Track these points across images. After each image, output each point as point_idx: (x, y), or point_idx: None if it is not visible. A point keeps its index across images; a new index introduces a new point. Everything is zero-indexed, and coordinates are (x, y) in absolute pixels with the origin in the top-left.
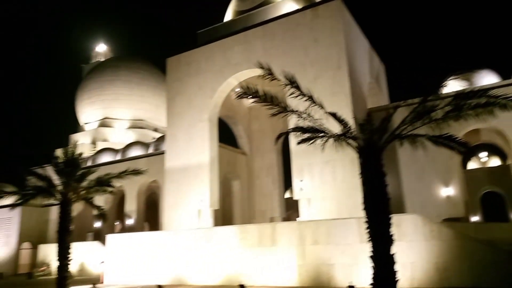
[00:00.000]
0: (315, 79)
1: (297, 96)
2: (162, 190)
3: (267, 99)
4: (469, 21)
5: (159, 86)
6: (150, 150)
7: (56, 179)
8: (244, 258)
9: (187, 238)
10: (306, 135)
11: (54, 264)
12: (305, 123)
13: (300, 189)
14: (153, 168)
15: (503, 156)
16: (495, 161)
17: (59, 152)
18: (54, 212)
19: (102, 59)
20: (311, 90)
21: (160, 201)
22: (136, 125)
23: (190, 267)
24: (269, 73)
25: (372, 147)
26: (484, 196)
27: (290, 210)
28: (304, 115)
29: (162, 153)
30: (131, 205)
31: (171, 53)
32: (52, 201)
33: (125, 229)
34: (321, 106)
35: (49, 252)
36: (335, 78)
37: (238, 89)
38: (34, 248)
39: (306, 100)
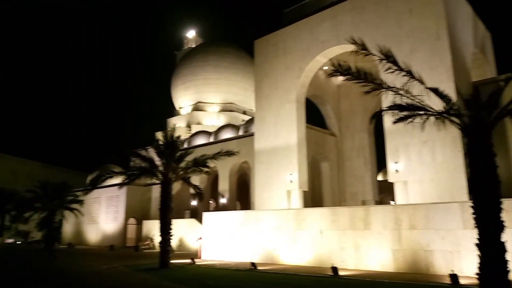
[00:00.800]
0: (411, 53)
1: (393, 72)
2: (252, 170)
3: (360, 76)
4: None
5: (246, 69)
6: (240, 133)
7: (157, 160)
8: (334, 240)
9: (277, 218)
10: (404, 113)
11: (157, 238)
12: (403, 100)
13: (395, 171)
14: (243, 150)
15: None
16: None
17: (159, 135)
18: (155, 191)
19: (193, 45)
20: (408, 65)
21: (251, 182)
22: (226, 109)
23: (281, 247)
24: (363, 48)
25: (480, 124)
26: None
27: (383, 193)
28: (401, 92)
29: (252, 135)
30: (224, 185)
31: (258, 35)
32: (154, 180)
33: (218, 208)
34: (421, 81)
35: (152, 228)
36: (433, 50)
37: (326, 67)
38: (139, 223)
39: (403, 76)
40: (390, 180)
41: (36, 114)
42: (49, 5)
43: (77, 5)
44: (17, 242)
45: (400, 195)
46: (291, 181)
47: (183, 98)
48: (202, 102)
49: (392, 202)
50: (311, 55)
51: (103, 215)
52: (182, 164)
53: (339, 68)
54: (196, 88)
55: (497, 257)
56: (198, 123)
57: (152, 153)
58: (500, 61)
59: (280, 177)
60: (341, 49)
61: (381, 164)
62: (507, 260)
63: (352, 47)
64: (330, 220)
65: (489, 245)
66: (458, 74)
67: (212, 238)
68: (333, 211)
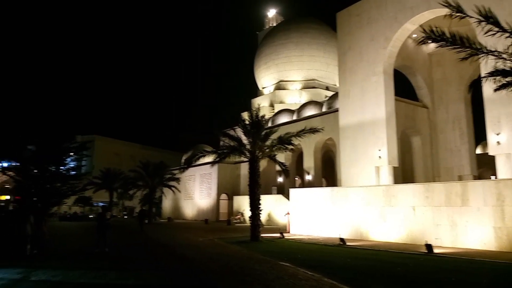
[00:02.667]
0: None
1: (494, 34)
2: (337, 147)
3: (455, 41)
4: None
5: (329, 43)
6: (323, 109)
7: (244, 139)
8: (428, 217)
9: (366, 195)
10: (508, 79)
11: (247, 213)
12: (506, 65)
13: (497, 143)
14: (327, 126)
15: None
16: None
17: (245, 115)
18: (243, 168)
19: (274, 24)
20: (511, 25)
21: (336, 158)
22: (308, 85)
23: (370, 223)
24: (458, 11)
25: None
26: None
27: (482, 167)
28: (504, 56)
29: (336, 111)
30: (309, 162)
31: (340, 7)
32: (242, 158)
33: (304, 184)
34: None
35: (242, 203)
36: None
37: (415, 35)
38: (230, 199)
39: (507, 37)
40: (491, 153)
41: (134, 100)
42: None
43: None
44: (124, 217)
45: (502, 169)
46: (379, 157)
47: (265, 78)
48: (284, 80)
49: (492, 177)
50: (399, 23)
51: (197, 191)
52: (268, 142)
53: (431, 34)
54: (278, 67)
55: None
56: (281, 102)
57: (239, 132)
58: None
59: (368, 153)
60: (432, 14)
61: (479, 136)
62: None
63: (445, 11)
64: (424, 196)
65: None
66: None
67: (300, 213)
68: (427, 187)
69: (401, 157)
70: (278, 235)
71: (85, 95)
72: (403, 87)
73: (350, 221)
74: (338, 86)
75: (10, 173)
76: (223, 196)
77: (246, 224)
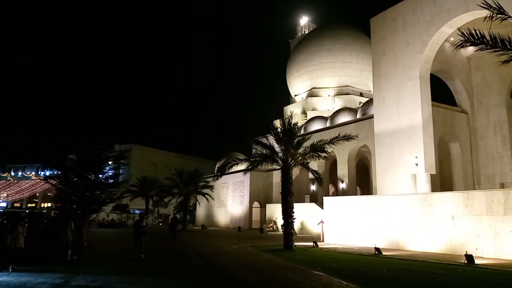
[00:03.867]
0: None
1: None
2: (372, 154)
3: (496, 43)
4: None
5: (362, 49)
6: (358, 116)
7: (276, 147)
8: (468, 227)
9: (402, 203)
10: None
11: (279, 221)
12: None
13: None
14: (362, 133)
15: None
16: None
17: (277, 123)
18: (275, 176)
19: (306, 32)
20: None
21: (371, 166)
22: (341, 92)
23: (406, 232)
24: (498, 12)
25: None
26: None
27: None
28: None
29: (370, 117)
30: (343, 170)
31: (374, 13)
32: (274, 166)
33: (338, 193)
34: None
35: (274, 211)
36: None
37: (452, 39)
38: (262, 207)
39: None
40: None
41: (170, 109)
42: None
43: None
44: (159, 224)
45: None
46: (416, 164)
47: (298, 85)
48: (316, 87)
49: None
50: (436, 26)
51: (230, 199)
52: (300, 150)
53: (470, 37)
54: (311, 74)
55: None
56: (313, 109)
57: (271, 140)
58: None
59: (404, 160)
60: (471, 16)
61: None
62: None
63: (484, 13)
64: (463, 204)
65: None
66: None
67: (334, 222)
68: (467, 195)
69: (439, 164)
70: (311, 244)
71: (124, 105)
72: (440, 92)
73: (385, 230)
74: (372, 92)
75: (52, 181)
76: (256, 204)
77: (278, 233)
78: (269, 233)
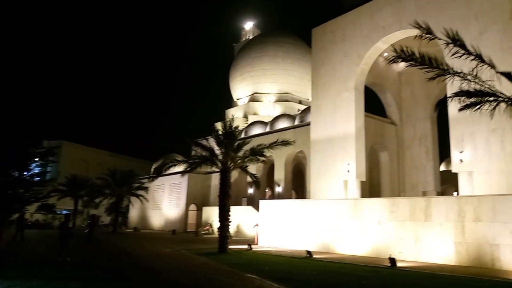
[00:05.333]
0: (480, 35)
1: (460, 56)
2: (308, 160)
3: (424, 61)
4: None
5: (303, 58)
6: (296, 122)
7: (216, 150)
8: (393, 231)
9: (333, 208)
10: (472, 100)
11: (215, 224)
12: (471, 86)
13: (460, 161)
14: (299, 139)
15: None
16: None
17: (218, 125)
18: (214, 179)
19: (251, 37)
20: (477, 48)
21: (306, 171)
22: (282, 98)
23: (337, 236)
24: (427, 32)
25: None
26: None
27: (446, 184)
28: (469, 77)
29: (307, 124)
30: (280, 174)
31: (315, 23)
32: (213, 168)
33: (274, 196)
34: (491, 65)
35: (211, 214)
36: (506, 31)
37: (386, 54)
38: (199, 210)
39: (472, 60)
40: (454, 170)
41: (103, 106)
42: None
43: None
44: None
45: (464, 186)
46: (348, 171)
47: (240, 90)
48: (258, 93)
49: (455, 193)
50: (371, 41)
51: (166, 201)
52: (240, 153)
53: (401, 53)
54: (253, 79)
55: None
56: (255, 114)
57: (212, 142)
58: None
59: (337, 166)
60: (403, 34)
61: (444, 153)
62: None
63: (415, 32)
64: (389, 210)
65: None
66: None
67: (269, 225)
68: (393, 202)
69: (369, 171)
70: (246, 247)
71: (54, 99)
72: (373, 103)
73: (317, 234)
74: (311, 100)
75: None
76: (192, 206)
77: (214, 236)
78: (204, 236)
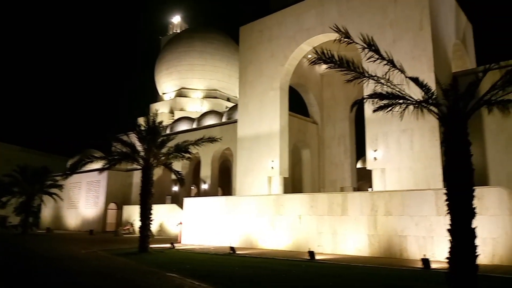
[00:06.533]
0: (394, 42)
1: (375, 61)
2: (235, 157)
3: (342, 64)
4: None
5: (232, 56)
6: (224, 119)
7: (138, 146)
8: (313, 225)
9: (257, 204)
10: (384, 102)
11: (137, 223)
12: (383, 89)
13: (374, 158)
14: (226, 136)
15: None
16: None
17: (141, 120)
18: (136, 176)
19: (178, 31)
20: (390, 54)
21: (233, 168)
22: (210, 95)
23: (260, 231)
24: (346, 37)
25: (457, 114)
26: None
27: (362, 180)
28: (382, 81)
29: (235, 121)
30: (206, 171)
31: (244, 21)
32: (135, 165)
33: (200, 193)
34: (402, 71)
35: (133, 213)
36: (416, 40)
37: (310, 56)
38: (119, 208)
39: (385, 65)
40: (368, 167)
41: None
42: None
43: None
44: None
45: (377, 182)
46: (272, 167)
47: (166, 84)
48: (185, 88)
49: (369, 189)
50: (296, 42)
51: (83, 200)
52: (164, 150)
53: (322, 56)
54: (180, 74)
55: (467, 242)
56: (181, 109)
57: (133, 138)
58: (480, 52)
59: (262, 163)
60: (326, 37)
61: (360, 152)
62: (476, 246)
63: (336, 35)
64: (309, 205)
65: (460, 230)
66: (439, 65)
67: (193, 223)
68: (312, 197)
69: (292, 168)
70: (168, 245)
71: None
72: (297, 103)
73: (242, 230)
74: (238, 97)
75: None
76: (112, 205)
77: (135, 235)
78: (124, 236)
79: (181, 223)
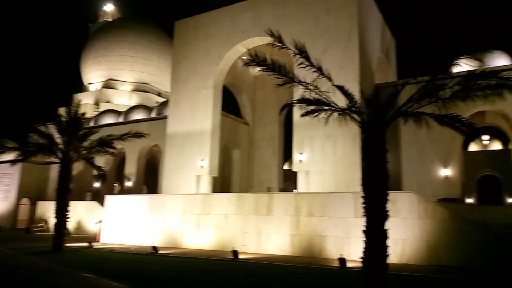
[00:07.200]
0: (324, 51)
1: (305, 67)
2: (163, 154)
3: (275, 68)
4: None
5: (165, 50)
6: (153, 114)
7: (58, 138)
8: (239, 225)
9: (184, 203)
10: (311, 107)
11: (52, 220)
12: (311, 95)
13: (300, 161)
14: (155, 132)
15: (505, 140)
16: (497, 145)
17: (62, 111)
18: (54, 170)
19: (110, 19)
20: (320, 62)
21: (160, 166)
22: (139, 88)
23: (185, 230)
24: (279, 41)
25: (377, 123)
26: (481, 179)
27: (288, 181)
28: (310, 87)
29: (165, 117)
30: (131, 168)
31: (180, 16)
32: (53, 159)
33: (123, 191)
34: (329, 79)
35: (48, 209)
36: (345, 50)
37: (245, 57)
38: (33, 204)
39: (314, 72)
40: (294, 169)
41: None
42: None
43: None
44: None
45: (302, 184)
46: (202, 166)
47: (93, 74)
48: (114, 79)
49: (295, 190)
50: (232, 43)
51: None
52: (86, 143)
53: (255, 58)
54: (109, 64)
55: (379, 243)
56: (108, 102)
57: (52, 129)
58: (400, 67)
59: (192, 162)
60: (261, 40)
61: (288, 154)
62: (388, 246)
63: (270, 39)
64: (236, 205)
65: (374, 232)
66: (364, 76)
67: (114, 221)
68: (239, 197)
69: (222, 168)
70: (86, 244)
71: None
72: (229, 103)
73: (166, 229)
74: (170, 93)
75: None
76: (25, 200)
77: (50, 233)
78: (37, 233)
79: (100, 221)
